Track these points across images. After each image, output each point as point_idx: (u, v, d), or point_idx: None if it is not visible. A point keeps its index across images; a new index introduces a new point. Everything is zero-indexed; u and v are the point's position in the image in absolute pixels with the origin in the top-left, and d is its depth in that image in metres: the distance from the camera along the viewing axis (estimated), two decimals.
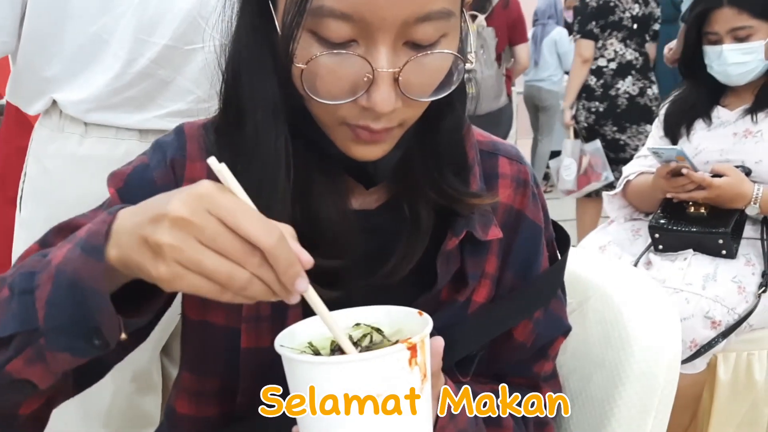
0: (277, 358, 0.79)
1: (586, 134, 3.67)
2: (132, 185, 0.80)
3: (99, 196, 0.83)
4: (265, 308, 0.79)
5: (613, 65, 3.59)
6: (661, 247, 1.99)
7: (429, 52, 0.67)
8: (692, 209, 1.96)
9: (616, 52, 3.59)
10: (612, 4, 3.52)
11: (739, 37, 1.93)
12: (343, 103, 0.67)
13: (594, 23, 3.58)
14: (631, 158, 2.87)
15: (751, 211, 1.89)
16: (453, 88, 0.71)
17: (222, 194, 0.56)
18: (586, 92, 3.66)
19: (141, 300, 0.66)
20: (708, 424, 1.85)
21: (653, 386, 0.92)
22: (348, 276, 0.75)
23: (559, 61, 5.73)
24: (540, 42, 5.76)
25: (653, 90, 3.60)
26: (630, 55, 3.58)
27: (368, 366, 0.59)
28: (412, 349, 0.59)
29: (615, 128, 3.61)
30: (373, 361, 0.59)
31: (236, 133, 0.73)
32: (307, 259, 0.58)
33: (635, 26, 3.54)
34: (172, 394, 0.89)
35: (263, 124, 0.70)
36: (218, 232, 0.54)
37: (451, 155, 0.81)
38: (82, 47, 1.32)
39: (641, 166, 2.18)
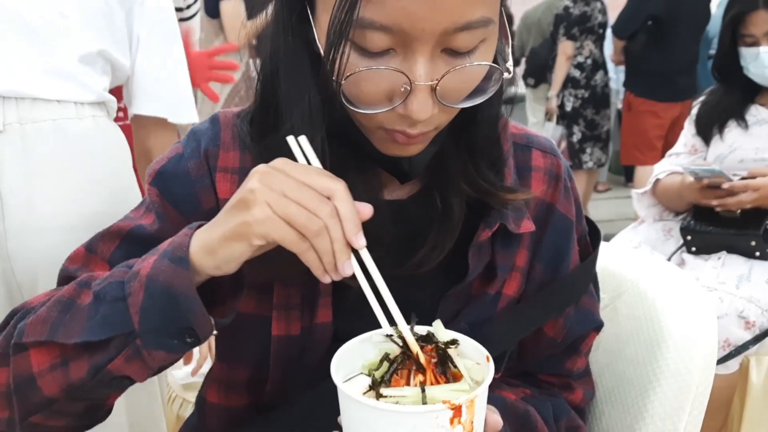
0: (306, 346, 0.79)
1: (569, 117, 4.86)
2: (167, 175, 0.82)
3: None
4: (296, 297, 0.80)
5: (589, 61, 4.77)
6: (694, 249, 1.96)
7: (467, 64, 0.67)
8: (724, 210, 1.93)
9: (591, 51, 4.74)
10: (588, 13, 4.70)
11: None
12: (380, 112, 0.68)
13: (576, 28, 4.69)
14: (601, 135, 4.83)
15: None
16: (490, 94, 0.70)
17: (295, 163, 0.67)
18: (572, 83, 4.81)
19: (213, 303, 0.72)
20: (739, 429, 1.82)
21: (688, 384, 0.91)
22: (377, 266, 0.75)
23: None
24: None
25: (610, 83, 4.96)
26: (597, 54, 4.77)
27: (403, 418, 0.58)
28: (456, 409, 0.58)
29: (593, 111, 4.84)
30: (408, 415, 0.58)
31: (275, 132, 0.74)
32: (367, 209, 0.66)
33: (601, 31, 4.72)
34: (204, 384, 0.90)
35: (300, 127, 0.71)
36: (296, 185, 0.64)
37: (487, 148, 0.80)
38: None
39: (671, 164, 2.15)
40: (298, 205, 0.63)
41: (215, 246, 0.66)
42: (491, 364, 0.64)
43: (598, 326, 0.91)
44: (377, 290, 0.66)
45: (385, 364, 0.65)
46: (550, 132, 4.82)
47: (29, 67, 1.27)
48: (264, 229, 0.64)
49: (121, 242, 0.81)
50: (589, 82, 4.80)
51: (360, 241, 0.65)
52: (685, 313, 0.95)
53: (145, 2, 1.41)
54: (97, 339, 0.68)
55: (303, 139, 0.69)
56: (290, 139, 0.69)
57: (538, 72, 5.65)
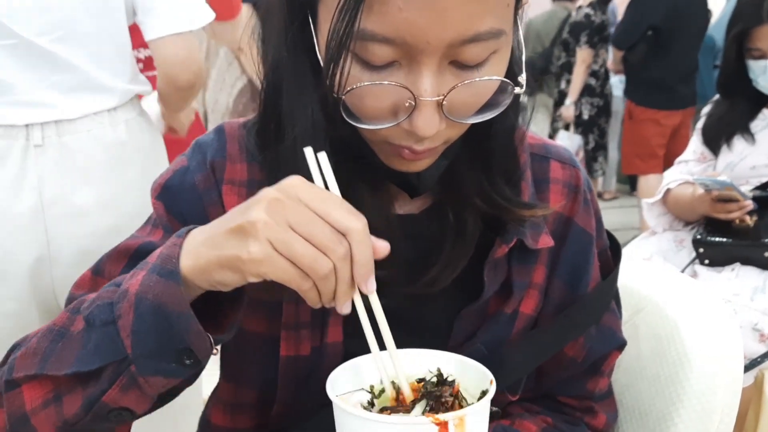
0: (316, 367, 0.76)
1: (585, 125, 4.87)
2: (173, 189, 0.79)
3: None
4: (305, 315, 0.77)
5: (603, 70, 4.80)
6: (707, 261, 1.95)
7: (477, 78, 0.63)
8: (737, 221, 1.92)
9: (604, 59, 4.77)
10: (605, 21, 4.80)
11: None
12: (385, 127, 0.65)
13: (597, 36, 4.73)
14: (606, 144, 4.86)
15: None
16: (502, 108, 0.67)
17: (311, 186, 0.61)
18: (588, 91, 4.81)
19: (214, 316, 0.66)
20: None
21: (713, 407, 0.87)
22: (389, 284, 0.72)
23: None
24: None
25: (613, 90, 5.02)
26: (607, 62, 4.80)
27: (385, 428, 0.58)
28: (441, 425, 0.57)
29: (605, 120, 4.90)
30: (390, 425, 0.58)
31: (277, 145, 0.71)
32: (384, 246, 0.61)
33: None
34: (208, 405, 0.87)
35: (302, 139, 0.68)
36: (309, 218, 0.58)
37: (503, 162, 0.77)
38: None
39: (681, 173, 2.14)
40: (306, 242, 0.57)
41: (209, 269, 0.61)
42: (493, 387, 0.62)
43: (620, 345, 0.88)
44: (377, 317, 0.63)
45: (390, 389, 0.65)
46: (567, 141, 4.74)
47: (61, 92, 1.35)
48: (261, 269, 0.58)
49: (129, 261, 0.77)
50: (603, 91, 4.79)
51: (370, 287, 0.60)
52: (709, 332, 0.91)
53: None
54: (87, 369, 0.63)
55: (322, 156, 0.63)
56: (308, 151, 0.63)
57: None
